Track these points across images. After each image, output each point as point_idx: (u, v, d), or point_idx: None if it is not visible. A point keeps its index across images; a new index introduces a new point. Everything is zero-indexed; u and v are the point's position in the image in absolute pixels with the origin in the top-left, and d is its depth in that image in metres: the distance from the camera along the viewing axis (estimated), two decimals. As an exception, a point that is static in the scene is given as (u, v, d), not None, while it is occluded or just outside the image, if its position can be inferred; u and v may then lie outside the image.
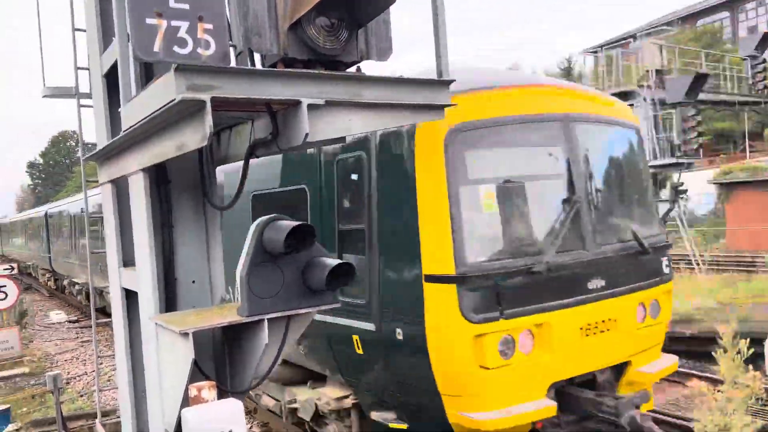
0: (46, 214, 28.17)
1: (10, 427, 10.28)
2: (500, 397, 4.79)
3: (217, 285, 3.88)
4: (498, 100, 5.12)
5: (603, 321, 5.26)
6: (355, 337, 5.39)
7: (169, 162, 3.40)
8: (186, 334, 2.99)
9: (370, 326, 5.17)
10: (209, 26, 2.53)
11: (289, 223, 3.12)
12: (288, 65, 2.84)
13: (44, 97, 5.07)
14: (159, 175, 3.66)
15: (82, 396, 11.97)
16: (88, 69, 4.56)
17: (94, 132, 4.48)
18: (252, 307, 3.15)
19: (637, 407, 5.10)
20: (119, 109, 3.61)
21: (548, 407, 4.85)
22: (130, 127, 3.04)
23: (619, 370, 5.65)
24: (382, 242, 5.08)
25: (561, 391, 5.24)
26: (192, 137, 2.62)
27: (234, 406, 2.69)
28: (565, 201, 5.20)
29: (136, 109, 3.02)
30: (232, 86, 2.56)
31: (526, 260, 4.84)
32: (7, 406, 10.68)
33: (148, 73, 3.61)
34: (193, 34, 2.49)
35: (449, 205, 4.68)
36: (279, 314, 3.21)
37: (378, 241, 5.08)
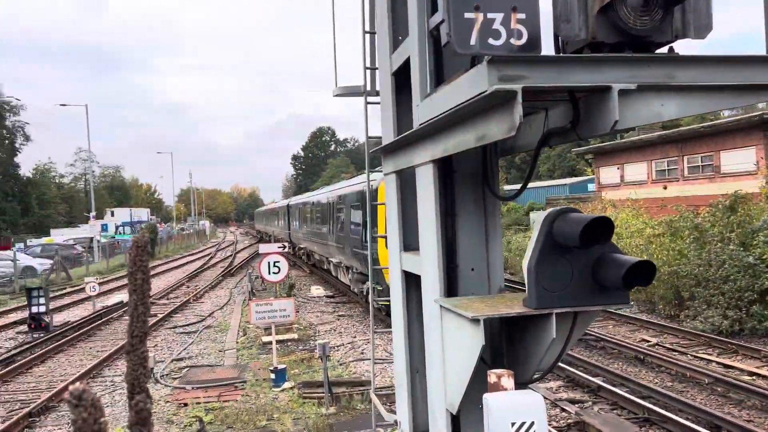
0: (287, 204, 42.86)
1: (286, 384, 11.90)
2: None
3: (495, 274, 3.92)
4: None
5: None
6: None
7: (455, 153, 3.51)
8: (477, 321, 3.07)
9: None
10: (522, 16, 2.52)
11: (584, 216, 3.00)
12: (594, 50, 2.70)
13: (335, 96, 5.65)
14: (445, 166, 3.82)
15: (341, 365, 13.33)
16: (376, 68, 4.96)
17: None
18: (540, 300, 3.09)
19: None
20: (409, 104, 3.86)
21: None
22: (431, 119, 3.19)
23: None
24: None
25: None
26: (497, 128, 2.64)
27: (535, 398, 2.66)
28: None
29: (435, 103, 3.17)
30: (541, 75, 2.51)
31: None
32: (284, 366, 12.40)
33: (437, 69, 3.77)
34: (506, 25, 2.51)
35: None
36: (567, 309, 3.12)
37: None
